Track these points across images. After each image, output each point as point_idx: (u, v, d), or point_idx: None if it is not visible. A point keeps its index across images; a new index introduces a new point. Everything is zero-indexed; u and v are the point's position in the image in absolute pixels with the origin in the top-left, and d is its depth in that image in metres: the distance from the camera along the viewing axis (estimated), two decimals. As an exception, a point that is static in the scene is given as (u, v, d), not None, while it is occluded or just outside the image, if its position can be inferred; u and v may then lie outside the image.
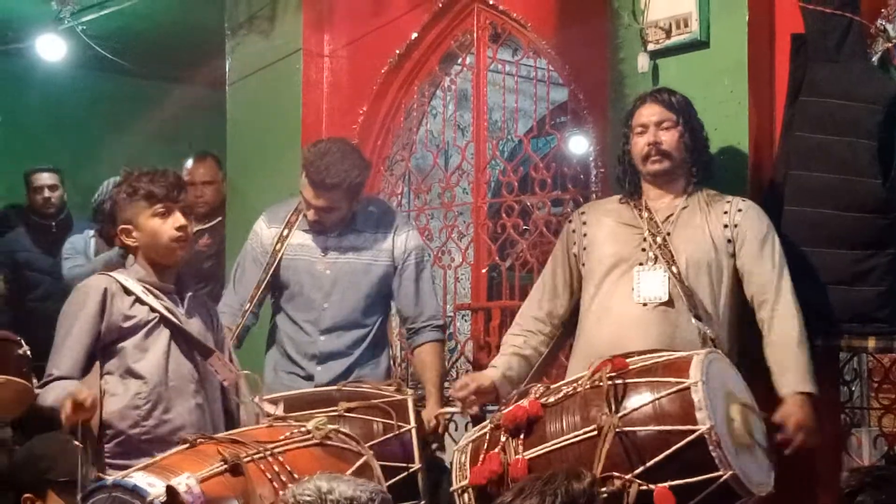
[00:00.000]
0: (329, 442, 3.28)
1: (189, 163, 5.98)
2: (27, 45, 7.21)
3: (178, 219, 3.54)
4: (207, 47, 6.33)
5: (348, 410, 3.89)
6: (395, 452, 3.85)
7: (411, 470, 3.81)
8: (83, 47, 7.01)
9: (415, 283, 4.37)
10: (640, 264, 3.73)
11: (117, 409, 3.47)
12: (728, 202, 3.79)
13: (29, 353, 4.04)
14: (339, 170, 4.20)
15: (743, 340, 3.75)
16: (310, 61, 5.70)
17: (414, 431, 3.91)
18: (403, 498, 3.71)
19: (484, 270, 5.33)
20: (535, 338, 3.95)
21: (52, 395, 3.41)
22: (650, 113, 3.83)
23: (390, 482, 3.68)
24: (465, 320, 5.60)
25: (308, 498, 2.54)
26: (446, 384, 4.43)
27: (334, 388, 4.07)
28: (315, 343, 4.30)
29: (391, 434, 3.86)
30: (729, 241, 3.73)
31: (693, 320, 3.63)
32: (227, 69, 6.03)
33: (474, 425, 3.85)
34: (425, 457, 3.97)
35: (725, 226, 3.74)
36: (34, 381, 3.85)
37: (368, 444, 3.74)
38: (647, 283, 3.70)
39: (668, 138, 3.80)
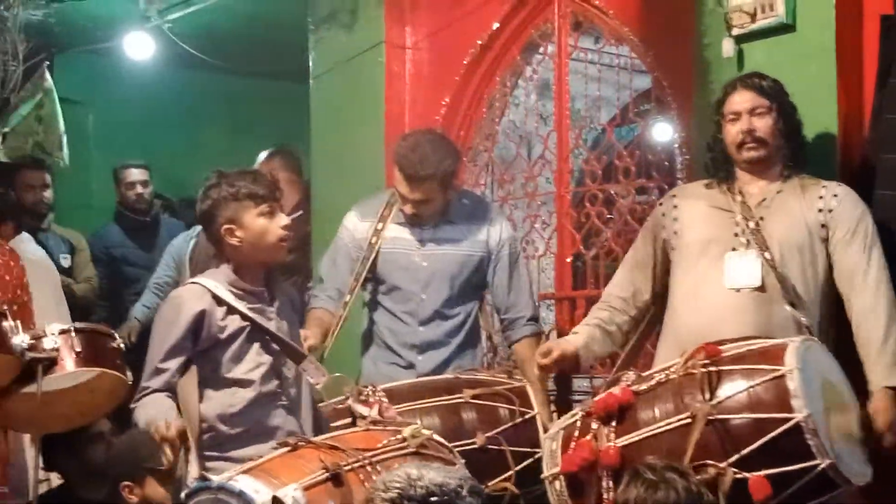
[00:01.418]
0: (424, 450, 3.28)
1: (262, 156, 6.01)
2: (116, 44, 7.33)
3: (283, 218, 3.57)
4: (291, 42, 6.38)
5: (474, 397, 3.90)
6: (521, 438, 3.89)
7: (538, 455, 3.79)
8: (170, 45, 7.11)
9: (509, 274, 4.38)
10: (733, 249, 3.67)
11: (213, 413, 3.51)
12: (824, 187, 3.71)
13: (123, 345, 4.10)
14: (431, 161, 4.22)
15: (838, 328, 3.67)
16: (392, 54, 5.72)
17: (538, 417, 3.95)
18: (530, 483, 3.74)
19: (568, 260, 5.30)
20: (620, 316, 3.92)
21: (144, 414, 3.45)
22: (742, 100, 3.75)
23: (517, 468, 3.77)
24: (550, 310, 5.58)
25: (398, 484, 2.57)
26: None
27: (451, 376, 4.11)
28: (415, 333, 4.32)
29: (518, 420, 3.89)
30: (823, 226, 3.66)
31: (787, 307, 3.57)
32: (310, 63, 6.07)
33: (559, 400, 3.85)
34: None
35: (820, 210, 3.67)
36: (128, 373, 3.91)
37: (496, 430, 3.85)
38: (740, 269, 3.64)
39: (763, 125, 3.73)
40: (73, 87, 7.57)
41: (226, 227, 3.56)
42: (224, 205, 3.55)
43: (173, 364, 3.50)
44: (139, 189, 6.93)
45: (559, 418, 3.81)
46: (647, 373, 3.40)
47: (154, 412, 3.39)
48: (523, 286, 4.45)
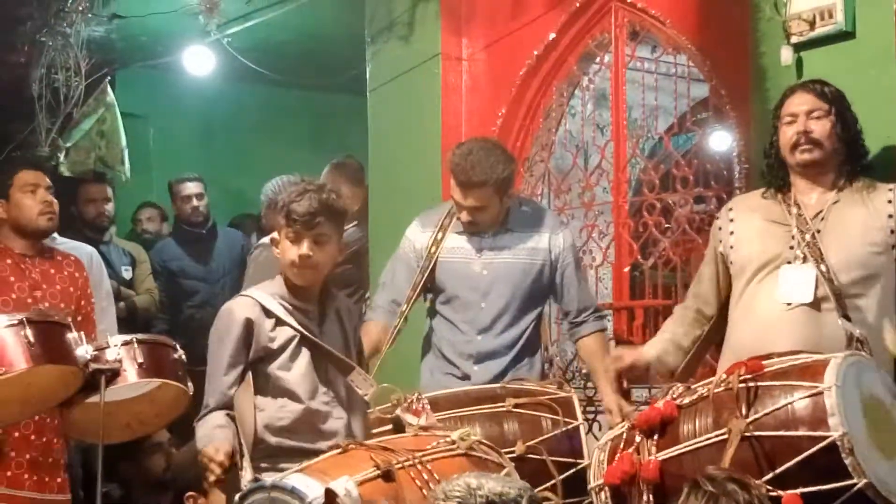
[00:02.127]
0: (473, 453, 3.30)
1: (326, 169, 6.07)
2: (176, 59, 7.43)
3: (303, 247, 3.56)
4: (348, 55, 6.43)
5: (516, 406, 3.91)
6: (564, 448, 3.87)
7: (580, 466, 3.79)
8: (229, 59, 7.19)
9: (576, 281, 4.38)
10: (788, 262, 3.63)
11: (264, 424, 3.54)
12: (890, 190, 3.66)
13: (184, 357, 4.13)
14: (483, 167, 4.22)
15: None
16: (448, 65, 5.75)
17: (582, 427, 3.93)
18: (573, 493, 3.72)
19: (626, 269, 5.29)
20: (694, 331, 3.91)
21: (201, 435, 3.51)
22: (801, 102, 3.72)
23: (560, 477, 3.74)
24: (608, 320, 5.55)
25: (458, 493, 2.57)
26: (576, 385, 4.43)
27: (498, 385, 4.10)
28: (472, 342, 4.31)
29: (560, 430, 3.87)
30: (893, 231, 3.60)
31: (840, 320, 3.52)
32: (367, 76, 6.11)
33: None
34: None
35: (890, 216, 3.61)
36: (189, 384, 3.95)
37: (537, 440, 3.82)
38: (793, 283, 3.60)
39: (819, 128, 3.68)
40: (134, 102, 7.71)
41: (273, 237, 3.61)
42: (274, 214, 3.59)
43: (230, 377, 3.53)
44: (195, 202, 7.01)
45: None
46: (693, 385, 3.38)
47: (204, 434, 3.47)
48: (590, 290, 4.50)
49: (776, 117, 3.79)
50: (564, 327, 4.69)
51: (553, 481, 3.74)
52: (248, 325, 3.53)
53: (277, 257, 3.62)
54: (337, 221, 3.62)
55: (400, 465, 3.08)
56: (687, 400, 3.27)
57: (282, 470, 3.38)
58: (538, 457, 3.76)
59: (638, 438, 3.28)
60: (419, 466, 3.11)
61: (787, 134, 3.72)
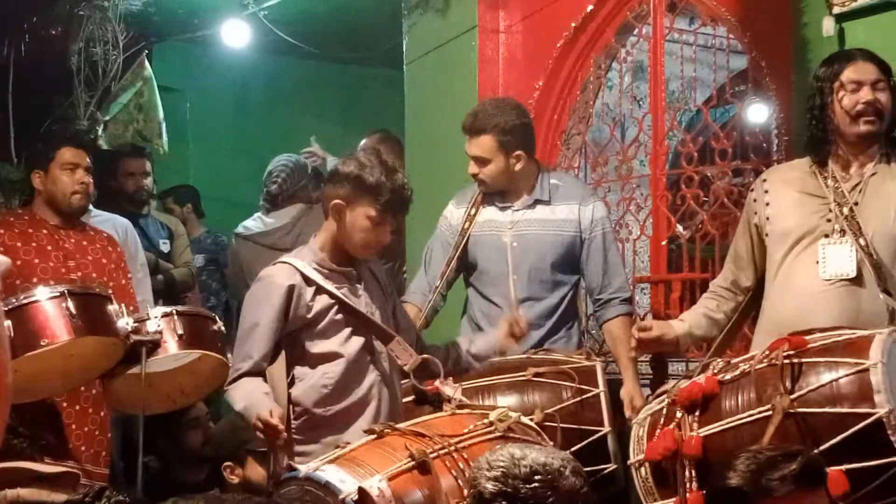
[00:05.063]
0: (511, 434, 3.29)
1: (366, 140, 6.10)
2: (213, 32, 7.44)
3: (385, 232, 3.57)
4: (385, 27, 6.43)
5: (536, 375, 3.91)
6: (585, 417, 3.87)
7: (600, 433, 3.80)
8: (265, 32, 7.20)
9: (603, 254, 4.36)
10: (826, 236, 3.60)
11: (303, 392, 3.55)
12: None
13: (223, 328, 4.18)
14: (487, 114, 4.28)
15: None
16: (485, 38, 5.73)
17: (603, 395, 3.91)
18: (594, 462, 3.73)
19: (663, 243, 5.26)
20: (727, 303, 3.88)
21: (240, 397, 3.48)
22: (867, 71, 3.62)
23: (580, 445, 3.75)
24: (645, 294, 5.55)
25: (502, 463, 2.59)
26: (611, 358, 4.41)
27: (523, 356, 4.10)
28: (506, 315, 4.31)
29: (579, 398, 3.87)
30: None
31: (881, 295, 3.49)
32: (404, 48, 6.10)
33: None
34: (618, 423, 3.97)
35: None
36: (229, 356, 3.98)
37: (556, 407, 3.81)
38: (833, 258, 3.57)
39: (885, 99, 3.61)
40: (171, 76, 7.73)
41: (337, 202, 3.58)
42: (356, 182, 3.55)
43: (265, 346, 3.52)
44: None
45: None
46: (734, 360, 3.36)
47: (251, 399, 3.43)
48: (617, 266, 4.43)
49: (829, 82, 3.66)
50: (590, 308, 4.67)
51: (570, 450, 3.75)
52: (290, 294, 3.53)
53: (336, 223, 3.60)
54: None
55: (435, 454, 3.07)
56: (728, 375, 3.25)
57: (323, 445, 3.41)
58: (555, 424, 3.76)
59: (679, 414, 3.27)
60: (455, 454, 3.10)
61: (850, 102, 3.60)
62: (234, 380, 3.52)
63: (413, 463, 3.03)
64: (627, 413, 4.06)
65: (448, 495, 2.99)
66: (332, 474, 2.97)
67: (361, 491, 2.89)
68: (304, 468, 3.07)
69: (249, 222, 6.49)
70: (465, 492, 2.92)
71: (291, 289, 3.53)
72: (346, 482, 2.93)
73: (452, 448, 3.12)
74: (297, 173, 6.44)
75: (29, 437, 3.75)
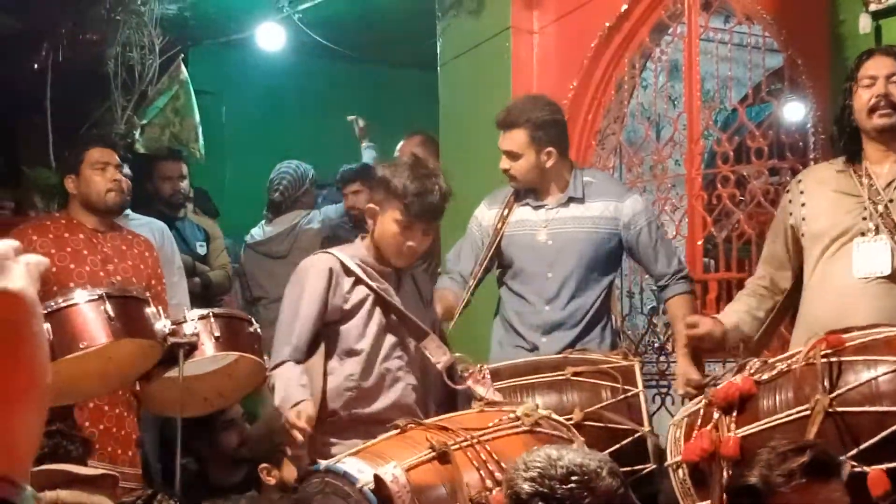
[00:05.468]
0: (539, 429, 3.28)
1: (404, 141, 6.13)
2: (248, 36, 7.48)
3: (415, 237, 3.57)
4: (418, 30, 6.43)
5: (575, 375, 3.90)
6: (623, 416, 3.84)
7: (639, 433, 3.79)
8: (300, 35, 7.24)
9: (654, 245, 4.34)
10: (862, 234, 3.58)
11: (332, 389, 3.56)
12: None
13: (259, 330, 4.18)
14: (520, 108, 4.28)
15: None
16: (519, 39, 5.73)
17: (642, 395, 3.90)
18: (632, 462, 3.71)
19: (699, 242, 5.24)
20: (767, 302, 3.86)
21: (279, 388, 3.50)
22: (882, 65, 3.62)
23: (618, 446, 3.72)
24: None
25: (538, 463, 2.58)
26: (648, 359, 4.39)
27: (560, 355, 4.09)
28: (540, 313, 4.31)
29: (619, 398, 3.85)
30: None
31: None
32: (438, 50, 6.11)
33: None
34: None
35: None
36: (266, 359, 4.00)
37: (595, 407, 3.80)
38: (868, 256, 3.55)
39: None
40: (207, 79, 7.77)
41: (373, 205, 3.60)
42: (390, 185, 3.57)
43: (307, 330, 3.55)
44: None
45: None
46: (771, 360, 3.33)
47: (287, 390, 3.44)
48: (671, 249, 4.43)
49: (850, 80, 3.69)
50: (625, 309, 4.63)
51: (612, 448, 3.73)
52: (329, 277, 3.55)
53: (372, 227, 3.61)
54: (445, 211, 3.67)
55: (457, 446, 3.07)
56: (766, 375, 3.23)
57: (352, 446, 3.41)
58: (596, 423, 3.74)
59: (716, 415, 3.24)
60: (477, 446, 3.10)
61: (864, 97, 3.62)
62: (276, 366, 3.55)
63: (433, 454, 3.03)
64: (681, 391, 4.03)
65: (469, 486, 2.99)
66: (350, 465, 3.00)
67: (377, 478, 2.90)
68: (325, 462, 3.12)
69: (255, 230, 6.54)
70: (487, 483, 2.94)
71: (331, 273, 3.56)
72: (364, 472, 2.96)
73: (475, 440, 3.12)
74: (298, 180, 6.50)
75: (81, 441, 3.77)
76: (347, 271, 3.58)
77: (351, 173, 6.49)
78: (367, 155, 6.83)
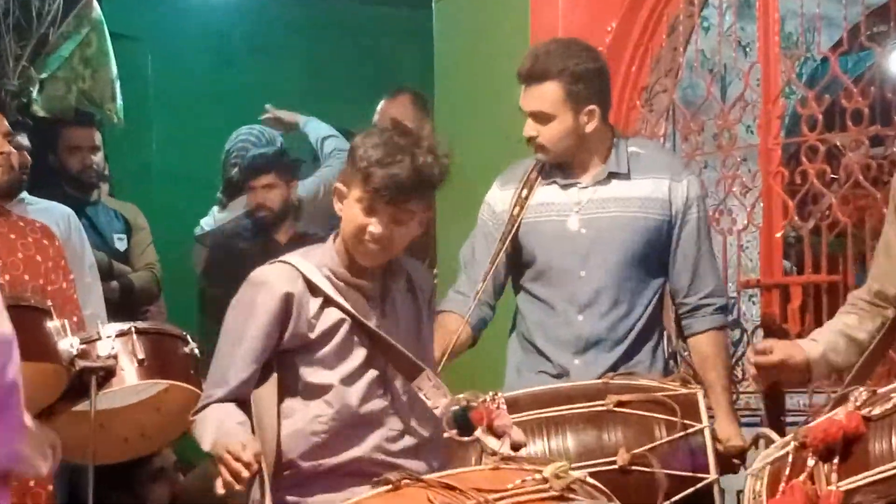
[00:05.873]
0: (572, 496, 3.23)
1: (384, 100, 6.12)
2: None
3: (378, 224, 3.52)
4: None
5: (619, 405, 3.88)
6: (683, 459, 3.85)
7: (704, 482, 3.78)
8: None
9: (696, 245, 4.31)
10: None
11: (290, 434, 3.52)
12: None
13: (196, 350, 4.16)
14: (551, 55, 4.23)
15: None
16: (540, -35, 5.71)
17: (707, 432, 3.89)
18: None
19: (778, 235, 5.25)
20: (872, 320, 3.82)
21: (209, 430, 3.45)
22: None
23: (677, 497, 3.73)
24: (753, 302, 5.52)
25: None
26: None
27: (600, 381, 4.07)
28: (571, 325, 4.26)
29: (677, 435, 3.84)
30: None
31: None
32: (432, -19, 6.11)
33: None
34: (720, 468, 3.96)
35: None
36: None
37: (645, 448, 3.79)
38: None
39: None
40: (127, 21, 7.74)
41: (338, 184, 3.56)
42: (349, 159, 3.53)
43: (249, 366, 3.50)
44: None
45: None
46: (881, 390, 3.28)
47: (221, 431, 3.40)
48: (711, 264, 4.39)
49: None
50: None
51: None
52: (287, 303, 3.50)
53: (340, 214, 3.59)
54: (429, 193, 3.58)
55: (467, 513, 3.06)
56: (878, 410, 3.19)
57: (309, 493, 3.42)
58: (647, 469, 3.72)
59: (811, 462, 3.20)
60: None
61: None
62: (202, 408, 3.52)
63: (437, 523, 3.02)
64: (724, 450, 4.03)
65: None
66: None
67: None
68: None
69: (204, 220, 6.52)
70: None
71: (289, 298, 3.50)
72: None
73: (490, 506, 3.11)
74: None
75: None
76: (314, 289, 3.54)
77: (261, 161, 6.40)
78: (313, 131, 6.75)
